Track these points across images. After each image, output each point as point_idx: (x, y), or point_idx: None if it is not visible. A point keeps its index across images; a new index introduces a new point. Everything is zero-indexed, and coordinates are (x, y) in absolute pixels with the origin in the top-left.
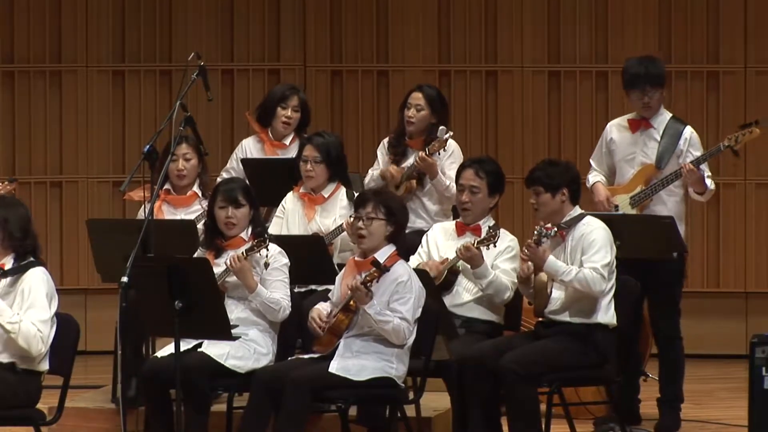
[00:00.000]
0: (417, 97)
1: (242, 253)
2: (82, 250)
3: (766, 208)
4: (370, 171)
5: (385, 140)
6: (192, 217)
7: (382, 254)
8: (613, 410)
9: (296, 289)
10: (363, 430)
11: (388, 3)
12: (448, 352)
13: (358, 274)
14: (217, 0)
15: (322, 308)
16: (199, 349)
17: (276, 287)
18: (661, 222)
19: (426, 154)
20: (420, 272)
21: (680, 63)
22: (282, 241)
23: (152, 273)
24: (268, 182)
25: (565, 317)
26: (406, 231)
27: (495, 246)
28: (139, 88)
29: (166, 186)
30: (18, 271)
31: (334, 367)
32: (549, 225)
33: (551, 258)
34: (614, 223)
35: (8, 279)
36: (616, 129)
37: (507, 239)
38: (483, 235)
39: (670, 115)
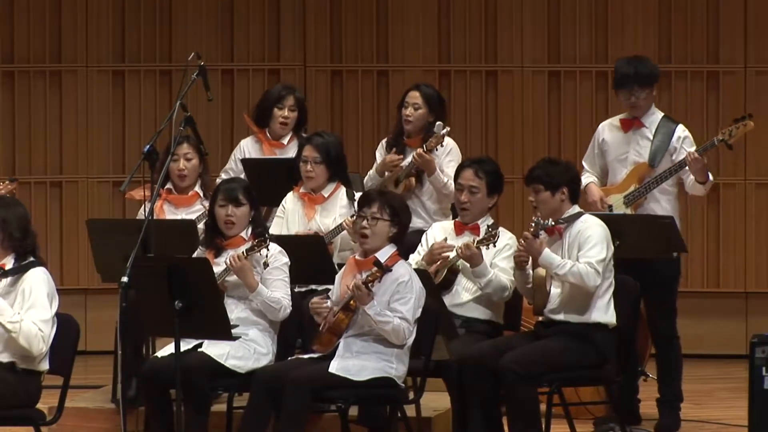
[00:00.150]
0: (414, 96)
1: (242, 252)
2: (82, 250)
3: (766, 208)
4: (369, 173)
5: (384, 141)
6: (193, 217)
7: (384, 254)
8: (613, 410)
9: (296, 289)
10: (363, 430)
11: (388, 3)
12: (448, 352)
13: (359, 273)
14: (217, 0)
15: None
16: (199, 349)
17: (276, 286)
18: (661, 222)
19: (424, 150)
20: (420, 272)
21: (680, 63)
22: (282, 240)
23: (152, 273)
24: (268, 182)
25: (561, 316)
26: None
27: (494, 245)
28: (139, 88)
29: (168, 186)
30: (19, 271)
31: (334, 367)
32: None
33: (546, 250)
34: (614, 223)
35: (9, 279)
36: (607, 129)
37: (505, 238)
38: (482, 234)
39: (662, 114)
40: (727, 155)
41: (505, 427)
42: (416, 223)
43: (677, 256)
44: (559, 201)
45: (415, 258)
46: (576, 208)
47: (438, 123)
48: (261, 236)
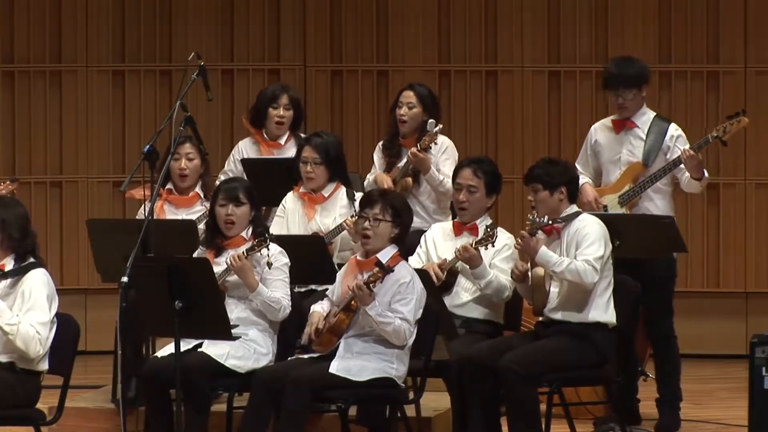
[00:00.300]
0: (408, 96)
1: (243, 252)
2: (82, 250)
3: (766, 208)
4: (368, 176)
5: (380, 144)
6: (193, 218)
7: (385, 255)
8: (613, 410)
9: (296, 289)
10: (363, 430)
11: (388, 3)
12: (448, 352)
13: (360, 273)
14: (217, 0)
15: (322, 310)
16: (199, 349)
17: (276, 286)
18: (662, 222)
19: (418, 149)
20: (421, 273)
21: (680, 63)
22: (282, 240)
23: (152, 273)
24: (268, 182)
25: (560, 315)
26: None
27: (493, 246)
28: (139, 88)
29: (168, 186)
30: (19, 272)
31: (335, 367)
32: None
33: (543, 248)
34: (614, 223)
35: (9, 280)
36: (600, 130)
37: (504, 238)
38: (480, 234)
39: (654, 113)
40: (728, 156)
41: (505, 427)
42: (416, 223)
43: (675, 256)
44: (558, 201)
45: (415, 259)
46: (574, 208)
47: (430, 121)
48: (261, 236)
